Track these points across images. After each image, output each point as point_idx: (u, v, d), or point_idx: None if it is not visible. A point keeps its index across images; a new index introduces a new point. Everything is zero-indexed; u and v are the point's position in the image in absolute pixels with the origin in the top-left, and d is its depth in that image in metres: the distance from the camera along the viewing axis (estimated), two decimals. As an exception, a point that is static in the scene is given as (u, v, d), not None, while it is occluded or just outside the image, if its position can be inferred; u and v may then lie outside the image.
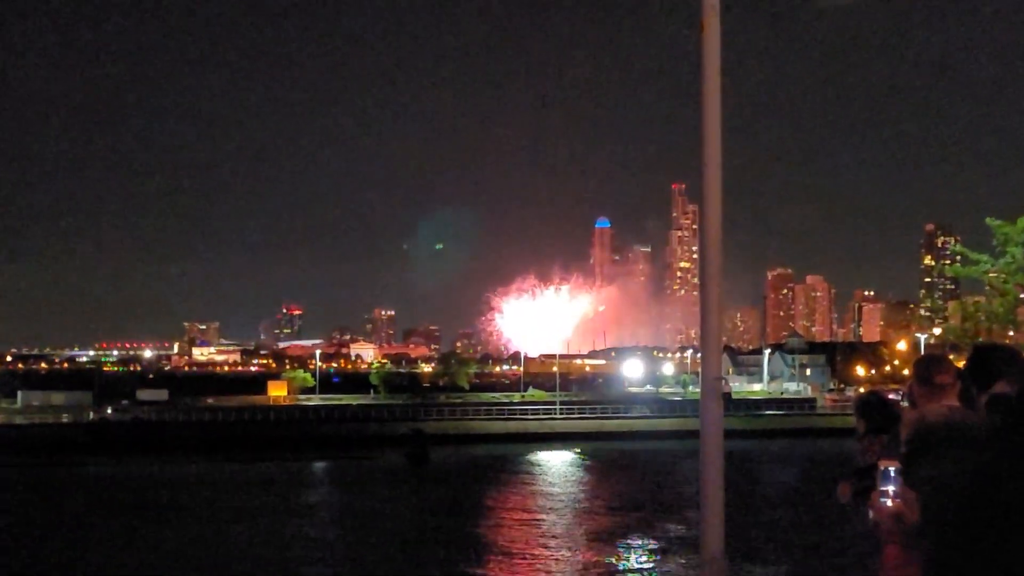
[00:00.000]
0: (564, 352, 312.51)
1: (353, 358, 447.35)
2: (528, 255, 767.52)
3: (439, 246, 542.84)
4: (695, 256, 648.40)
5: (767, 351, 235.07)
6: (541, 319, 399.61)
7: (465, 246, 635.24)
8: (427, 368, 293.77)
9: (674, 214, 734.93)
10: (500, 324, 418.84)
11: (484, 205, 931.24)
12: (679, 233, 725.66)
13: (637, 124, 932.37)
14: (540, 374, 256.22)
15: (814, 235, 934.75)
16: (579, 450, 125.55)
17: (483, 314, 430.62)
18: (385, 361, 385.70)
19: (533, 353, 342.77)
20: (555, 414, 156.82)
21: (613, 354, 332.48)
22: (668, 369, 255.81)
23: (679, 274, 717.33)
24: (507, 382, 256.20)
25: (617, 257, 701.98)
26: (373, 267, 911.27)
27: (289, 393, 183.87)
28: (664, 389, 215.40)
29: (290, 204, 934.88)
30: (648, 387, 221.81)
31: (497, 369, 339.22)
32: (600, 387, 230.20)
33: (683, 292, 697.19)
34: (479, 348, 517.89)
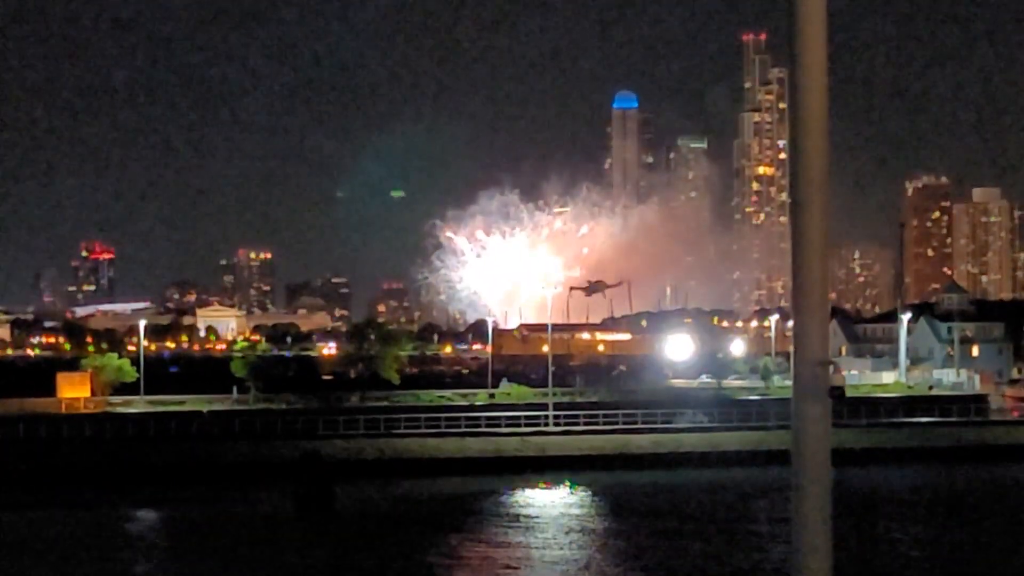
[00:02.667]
0: (561, 321, 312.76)
1: (203, 333, 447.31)
2: (502, 155, 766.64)
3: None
4: (783, 156, 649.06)
5: (906, 316, 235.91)
6: (522, 264, 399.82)
7: (400, 140, 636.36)
8: (328, 350, 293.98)
9: (746, 84, 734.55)
10: (453, 273, 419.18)
11: (429, 72, 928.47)
12: (755, 117, 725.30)
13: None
14: (521, 358, 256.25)
15: (985, 125, 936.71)
16: (583, 486, 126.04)
17: (425, 257, 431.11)
18: (257, 338, 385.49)
19: (508, 323, 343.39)
20: (547, 425, 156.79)
21: (645, 323, 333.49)
22: (738, 348, 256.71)
23: (755, 187, 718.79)
24: (465, 372, 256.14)
25: (651, 159, 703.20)
26: (233, 179, 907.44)
27: (95, 394, 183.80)
28: (732, 381, 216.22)
29: (94, 92, 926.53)
30: (704, 378, 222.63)
31: (448, 350, 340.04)
32: (624, 379, 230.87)
33: (763, 217, 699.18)
34: (417, 315, 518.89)
